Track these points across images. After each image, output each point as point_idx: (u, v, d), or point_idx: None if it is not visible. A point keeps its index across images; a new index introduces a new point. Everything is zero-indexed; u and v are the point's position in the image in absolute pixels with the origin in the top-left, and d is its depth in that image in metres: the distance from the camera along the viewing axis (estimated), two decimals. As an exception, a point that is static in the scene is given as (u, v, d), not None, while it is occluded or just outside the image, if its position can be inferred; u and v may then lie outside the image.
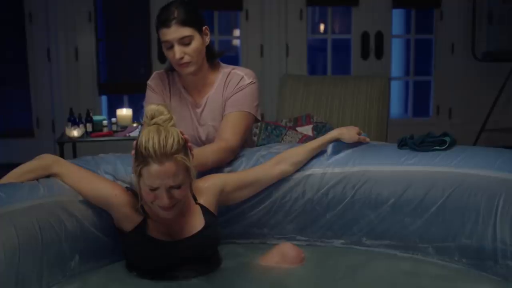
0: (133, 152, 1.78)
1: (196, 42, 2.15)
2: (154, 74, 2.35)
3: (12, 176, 1.90)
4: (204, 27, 2.19)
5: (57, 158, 2.00)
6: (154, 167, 1.71)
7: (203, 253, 1.91)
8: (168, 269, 1.87)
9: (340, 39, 6.00)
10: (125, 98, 5.66)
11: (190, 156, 1.80)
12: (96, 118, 4.17)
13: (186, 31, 2.12)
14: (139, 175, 1.76)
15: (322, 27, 6.12)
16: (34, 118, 5.53)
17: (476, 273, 1.94)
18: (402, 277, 1.93)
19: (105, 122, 4.18)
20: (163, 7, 2.18)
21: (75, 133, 4.01)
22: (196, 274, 1.88)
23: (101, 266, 1.99)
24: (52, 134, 5.45)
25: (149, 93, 2.33)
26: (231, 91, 2.24)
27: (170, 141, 1.71)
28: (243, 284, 1.89)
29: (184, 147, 1.77)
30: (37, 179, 1.91)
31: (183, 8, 2.13)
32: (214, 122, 2.28)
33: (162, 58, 5.45)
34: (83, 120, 4.12)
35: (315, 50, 6.15)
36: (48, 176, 1.94)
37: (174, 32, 2.11)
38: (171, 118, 1.77)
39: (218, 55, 2.31)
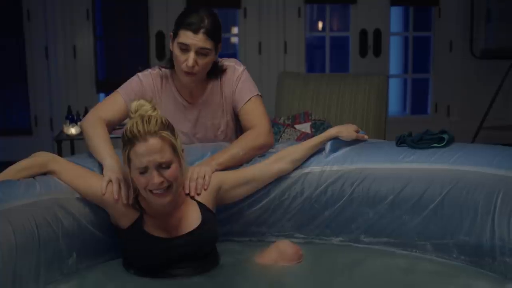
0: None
1: (211, 57, 2.14)
2: (147, 73, 2.26)
3: (8, 173, 1.90)
4: (219, 44, 2.17)
5: (53, 155, 2.00)
6: (139, 145, 1.73)
7: (200, 250, 1.91)
8: (166, 266, 1.86)
9: (338, 36, 5.99)
10: (123, 96, 5.65)
11: (177, 137, 1.82)
12: (94, 116, 4.16)
13: (209, 44, 2.10)
14: (128, 160, 1.77)
15: (320, 24, 6.11)
16: (32, 116, 5.51)
17: (474, 270, 1.94)
18: (400, 274, 1.93)
19: (103, 120, 4.16)
20: (192, 8, 2.16)
21: (73, 130, 4.01)
22: (193, 271, 1.88)
23: (98, 263, 1.98)
24: (50, 132, 5.43)
25: (134, 85, 2.26)
26: (232, 84, 2.24)
27: (153, 121, 1.76)
28: (241, 282, 1.88)
29: (169, 127, 1.80)
30: (33, 177, 1.91)
31: (213, 20, 2.12)
32: (213, 120, 2.29)
33: (160, 56, 5.44)
34: (81, 118, 4.10)
35: (313, 48, 6.15)
36: (44, 174, 1.94)
37: (200, 40, 2.08)
38: (154, 108, 1.81)
39: (219, 72, 2.25)
